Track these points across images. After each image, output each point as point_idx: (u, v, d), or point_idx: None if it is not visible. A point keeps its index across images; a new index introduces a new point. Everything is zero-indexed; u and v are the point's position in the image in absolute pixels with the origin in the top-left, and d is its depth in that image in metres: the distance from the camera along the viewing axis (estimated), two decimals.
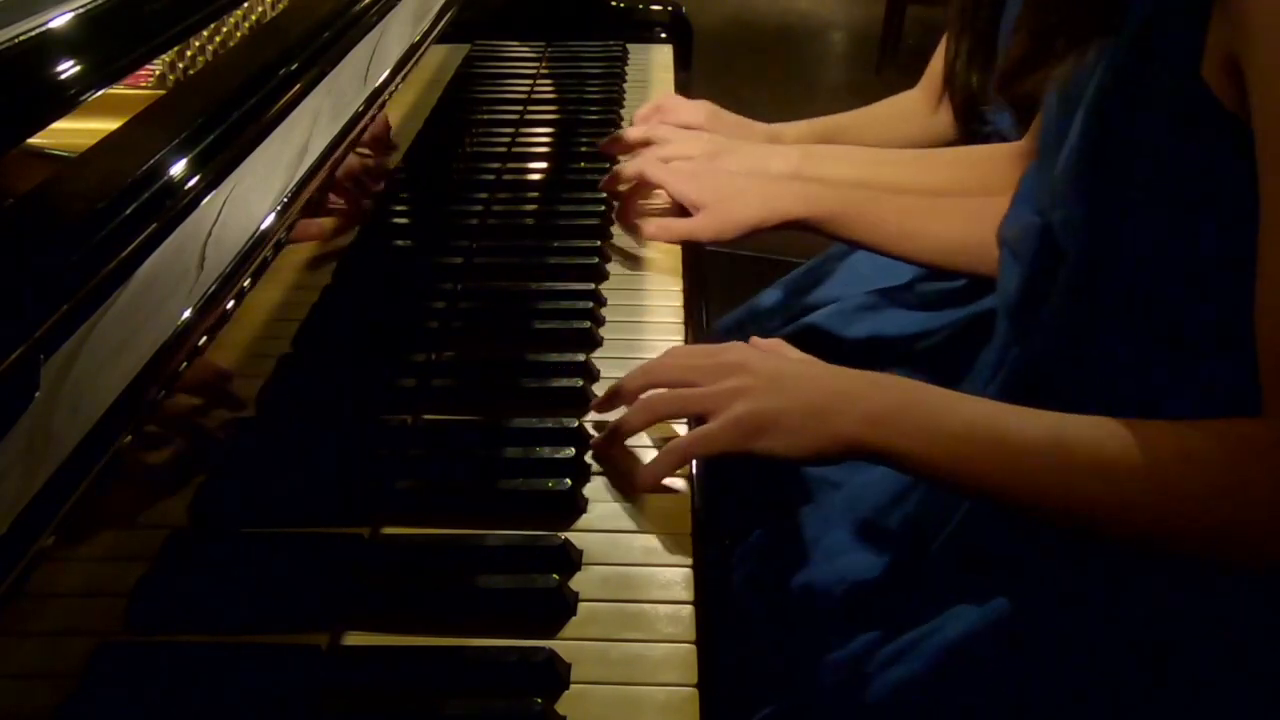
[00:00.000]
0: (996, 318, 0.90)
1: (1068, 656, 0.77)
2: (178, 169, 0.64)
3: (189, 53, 0.83)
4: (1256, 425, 0.66)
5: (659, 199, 1.22)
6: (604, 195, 1.21)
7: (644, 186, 1.20)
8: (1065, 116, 0.78)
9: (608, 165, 1.32)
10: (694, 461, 0.82)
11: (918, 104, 1.48)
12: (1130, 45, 0.71)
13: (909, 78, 1.52)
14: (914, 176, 1.19)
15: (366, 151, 1.04)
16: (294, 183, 0.78)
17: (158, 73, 0.80)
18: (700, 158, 1.22)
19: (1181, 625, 0.76)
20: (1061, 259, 0.76)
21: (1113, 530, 0.69)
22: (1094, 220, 0.73)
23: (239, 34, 0.90)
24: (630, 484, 0.78)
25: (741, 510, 1.10)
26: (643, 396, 0.81)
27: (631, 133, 1.29)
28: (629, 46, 1.73)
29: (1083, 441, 0.69)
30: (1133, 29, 0.71)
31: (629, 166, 1.18)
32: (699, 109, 1.40)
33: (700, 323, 1.04)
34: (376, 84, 0.99)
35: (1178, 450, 0.67)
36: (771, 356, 0.81)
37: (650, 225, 1.14)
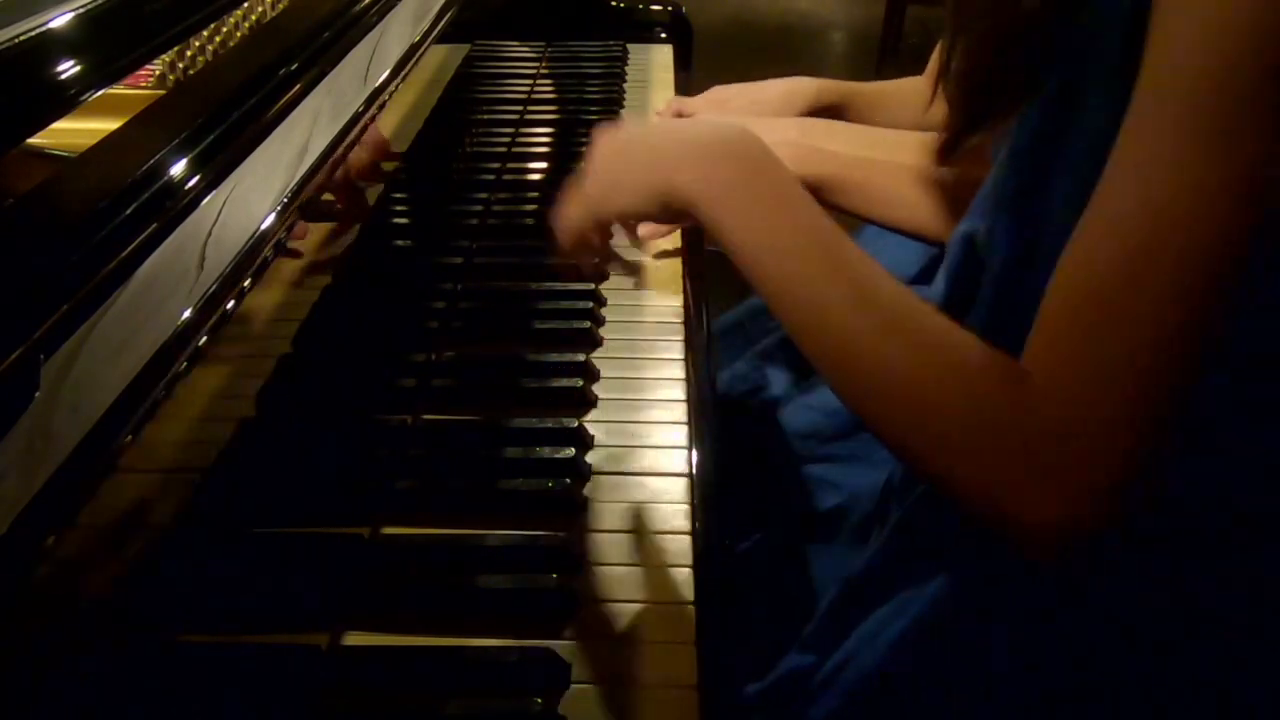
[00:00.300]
0: None
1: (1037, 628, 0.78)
2: (178, 169, 0.64)
3: (189, 53, 0.83)
4: (1007, 367, 0.63)
5: None
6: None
7: None
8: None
9: None
10: (694, 461, 0.82)
11: (921, 91, 1.48)
12: (1057, 91, 0.71)
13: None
14: (911, 160, 1.18)
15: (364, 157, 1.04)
16: (294, 183, 0.78)
17: (158, 73, 0.80)
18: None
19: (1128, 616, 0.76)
20: (984, 269, 0.76)
21: (880, 405, 0.66)
22: (1016, 232, 0.72)
23: (239, 34, 0.90)
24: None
25: (742, 511, 1.10)
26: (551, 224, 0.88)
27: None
28: (629, 46, 1.73)
29: (894, 295, 0.67)
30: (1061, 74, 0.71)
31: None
32: (707, 103, 1.41)
33: (700, 321, 1.04)
34: (376, 84, 0.99)
35: (959, 360, 0.64)
36: (649, 129, 0.84)
37: (648, 229, 1.13)
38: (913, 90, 1.48)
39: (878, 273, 0.69)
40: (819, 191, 1.10)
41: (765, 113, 1.37)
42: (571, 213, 0.87)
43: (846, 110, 1.43)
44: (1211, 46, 0.57)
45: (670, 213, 0.77)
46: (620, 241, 1.15)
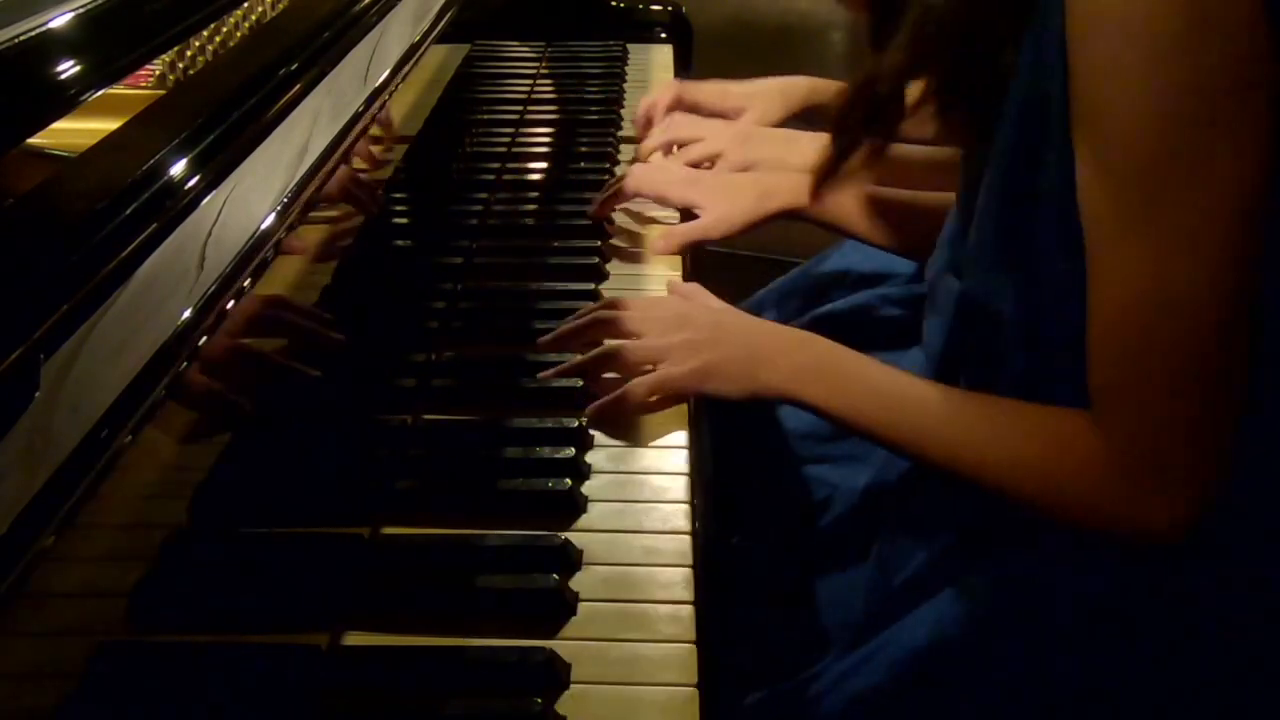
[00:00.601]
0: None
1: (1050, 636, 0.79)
2: (178, 169, 0.64)
3: (189, 53, 0.83)
4: (1081, 432, 0.75)
5: (654, 208, 1.20)
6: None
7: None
8: (968, 189, 0.83)
9: (608, 165, 1.33)
10: (694, 462, 0.82)
11: (911, 92, 1.48)
12: (1016, 132, 0.77)
13: None
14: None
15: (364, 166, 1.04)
16: (294, 183, 0.78)
17: (158, 73, 0.80)
18: (730, 150, 1.22)
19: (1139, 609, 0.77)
20: (994, 323, 0.81)
21: (995, 491, 0.80)
22: (1021, 288, 0.78)
23: (239, 34, 0.90)
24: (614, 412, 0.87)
25: (742, 511, 1.10)
26: (610, 344, 0.90)
27: (655, 139, 1.28)
28: (629, 46, 1.73)
29: (965, 411, 0.82)
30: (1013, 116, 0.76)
31: (626, 185, 1.16)
32: (708, 92, 1.40)
33: None
34: (376, 84, 0.99)
35: (1025, 429, 0.79)
36: (705, 310, 0.96)
37: (659, 241, 1.13)
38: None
39: (938, 394, 0.83)
40: (826, 221, 1.13)
41: (763, 104, 1.38)
42: (656, 387, 0.88)
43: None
44: (1136, 109, 0.66)
45: (759, 399, 0.89)
46: (621, 241, 1.15)
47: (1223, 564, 0.76)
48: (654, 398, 0.88)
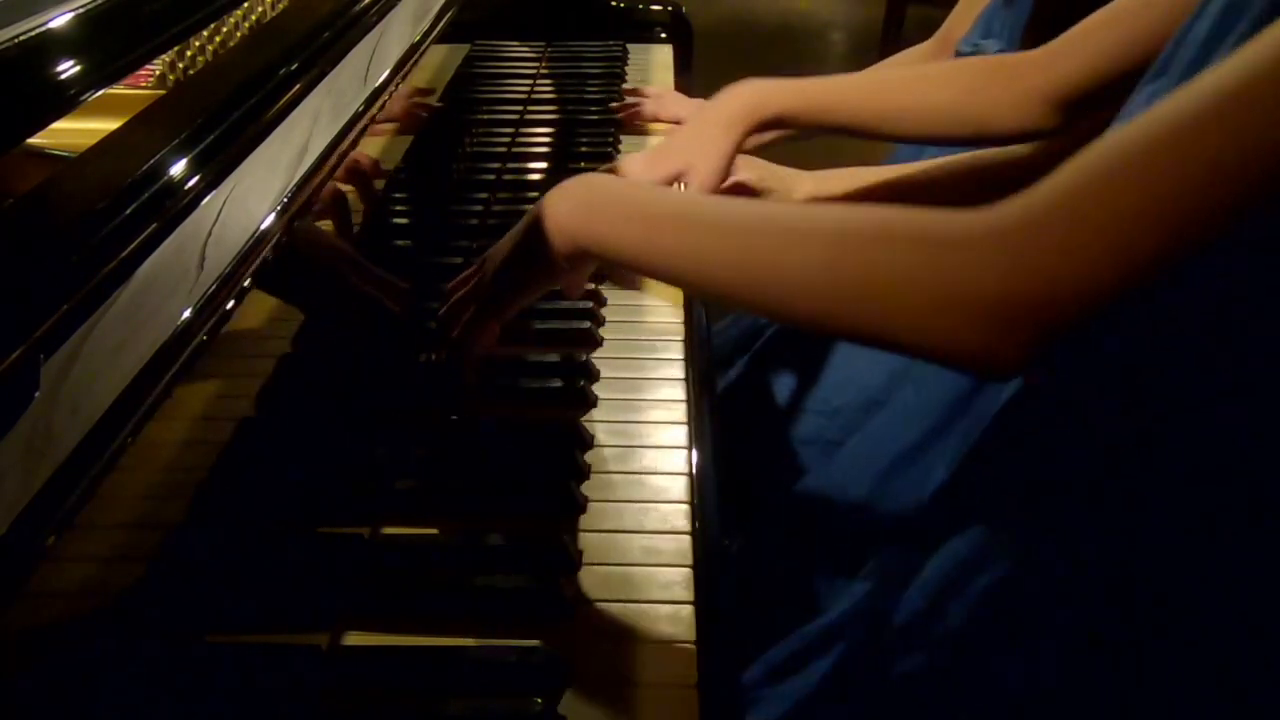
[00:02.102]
0: None
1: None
2: (178, 169, 0.64)
3: (189, 53, 0.83)
4: (981, 214, 0.63)
5: None
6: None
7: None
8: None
9: (608, 165, 1.33)
10: (694, 462, 0.82)
11: (925, 54, 1.51)
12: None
13: None
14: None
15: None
16: (294, 183, 0.78)
17: (158, 73, 0.80)
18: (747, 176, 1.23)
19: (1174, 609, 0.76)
20: None
21: (806, 312, 0.68)
22: None
23: (239, 34, 0.90)
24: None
25: (743, 511, 1.10)
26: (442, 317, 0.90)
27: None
28: (629, 46, 1.73)
29: (782, 215, 0.70)
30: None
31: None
32: (685, 102, 1.46)
33: (700, 321, 1.04)
34: (376, 84, 0.99)
35: (883, 229, 0.66)
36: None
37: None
38: (907, 63, 1.51)
39: (751, 206, 0.76)
40: (799, 122, 1.09)
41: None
42: (469, 319, 0.88)
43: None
44: None
45: (563, 255, 0.82)
46: None
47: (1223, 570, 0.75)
48: (483, 321, 0.88)
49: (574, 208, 0.81)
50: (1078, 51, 0.99)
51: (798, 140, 1.17)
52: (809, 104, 1.09)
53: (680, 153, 1.10)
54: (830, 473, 1.12)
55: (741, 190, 1.20)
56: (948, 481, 0.83)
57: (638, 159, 1.12)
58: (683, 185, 1.09)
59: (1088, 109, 1.00)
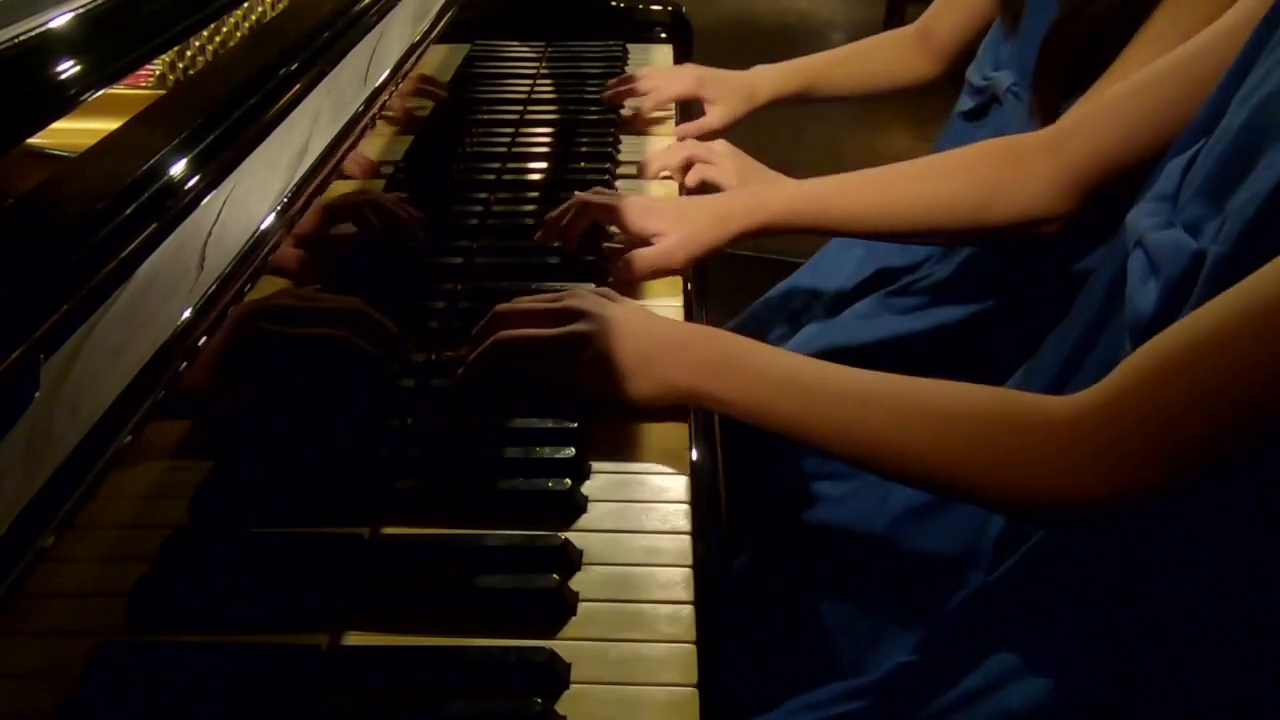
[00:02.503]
0: (1104, 330, 0.85)
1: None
2: (178, 169, 0.64)
3: (189, 53, 0.83)
4: (1061, 405, 0.71)
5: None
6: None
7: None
8: (1263, 132, 0.71)
9: (608, 165, 1.33)
10: (694, 462, 0.82)
11: (908, 43, 1.53)
12: None
13: None
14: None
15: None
16: (294, 183, 0.78)
17: (158, 73, 0.80)
18: (728, 183, 1.27)
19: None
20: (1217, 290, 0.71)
21: (915, 474, 0.76)
22: (1246, 235, 0.69)
23: (239, 34, 0.90)
24: None
25: (743, 512, 1.10)
26: (492, 338, 0.88)
27: (676, 152, 1.29)
28: (629, 46, 1.73)
29: (885, 393, 0.77)
30: None
31: (579, 201, 1.11)
32: (685, 78, 1.50)
33: (701, 321, 1.04)
34: (376, 84, 0.99)
35: (973, 410, 0.74)
36: (608, 303, 0.89)
37: (627, 270, 1.08)
38: (888, 46, 1.58)
39: (856, 378, 0.78)
40: (791, 227, 1.09)
41: (731, 98, 1.48)
42: (553, 381, 0.87)
43: (811, 90, 1.54)
44: None
45: (663, 401, 0.85)
46: (620, 241, 1.15)
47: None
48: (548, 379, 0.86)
49: (680, 365, 0.83)
50: (1093, 128, 0.96)
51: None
52: (813, 208, 1.09)
53: (668, 222, 1.08)
54: (834, 487, 1.13)
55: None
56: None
57: (634, 204, 1.11)
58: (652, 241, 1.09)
59: (1103, 190, 0.98)
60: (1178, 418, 0.66)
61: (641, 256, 1.07)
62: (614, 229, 1.12)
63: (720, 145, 1.33)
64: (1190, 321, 0.66)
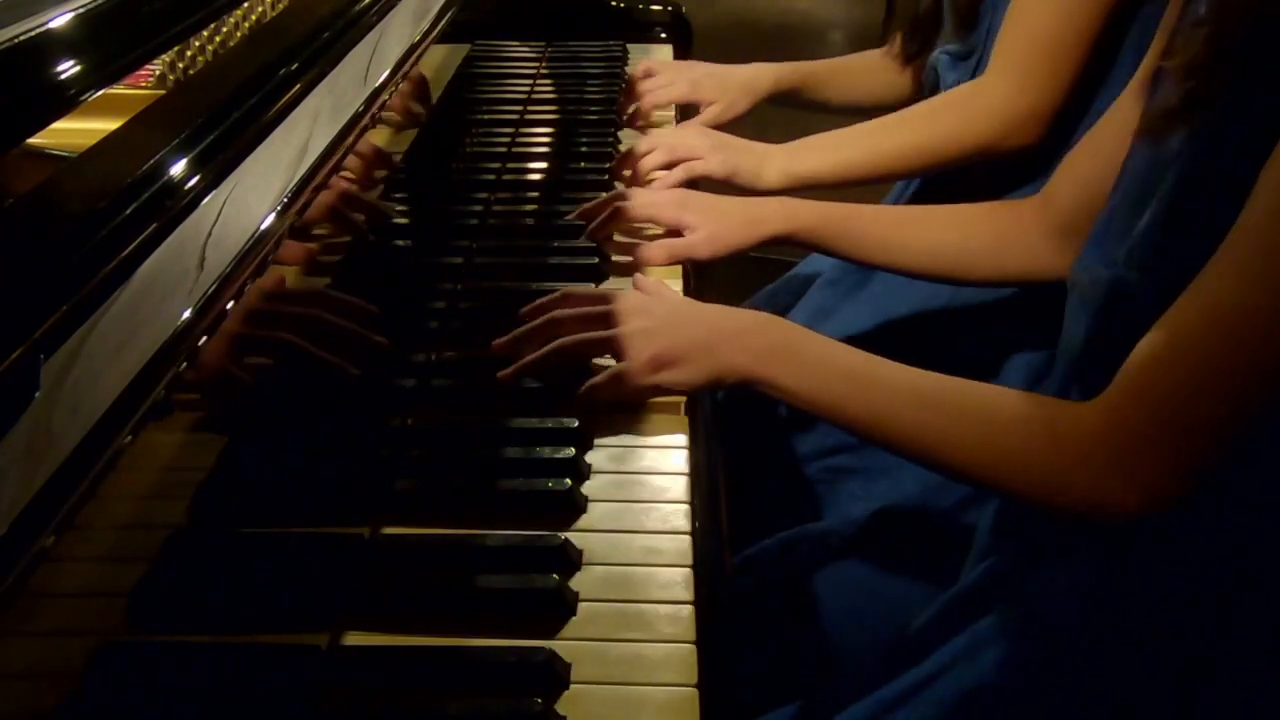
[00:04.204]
0: (1055, 360, 0.91)
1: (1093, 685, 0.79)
2: (178, 169, 0.64)
3: (189, 53, 0.83)
4: (1082, 414, 0.76)
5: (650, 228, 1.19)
6: (604, 195, 1.21)
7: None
8: (1152, 171, 0.80)
9: (608, 165, 1.33)
10: (694, 461, 0.82)
11: (885, 60, 1.54)
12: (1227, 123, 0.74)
13: None
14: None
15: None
16: (294, 183, 0.78)
17: (158, 73, 0.80)
18: (712, 165, 1.26)
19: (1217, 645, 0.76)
20: (1133, 312, 0.78)
21: (955, 470, 0.82)
22: (1172, 287, 0.75)
23: (239, 34, 0.90)
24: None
25: (744, 513, 1.10)
26: (555, 344, 0.88)
27: (653, 158, 1.29)
28: (629, 46, 1.73)
29: (934, 392, 0.82)
30: (1228, 108, 0.74)
31: (620, 212, 1.15)
32: (681, 85, 1.49)
33: None
34: (376, 84, 0.99)
35: (1012, 417, 0.80)
36: (661, 300, 0.95)
37: (649, 252, 1.11)
38: (869, 63, 1.56)
39: (908, 376, 0.83)
40: (809, 242, 1.13)
41: (730, 97, 1.48)
42: (619, 389, 0.87)
43: (803, 90, 1.54)
44: None
45: (721, 385, 0.88)
46: (620, 240, 1.15)
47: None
48: (614, 397, 0.86)
49: (743, 350, 0.86)
50: (1068, 184, 1.02)
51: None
52: (842, 229, 1.13)
53: (702, 216, 1.12)
54: (833, 488, 1.13)
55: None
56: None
57: (670, 199, 1.14)
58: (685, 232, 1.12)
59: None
60: (1172, 417, 0.72)
61: (666, 245, 1.11)
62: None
63: (696, 137, 1.31)
64: (1168, 325, 0.72)
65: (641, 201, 1.14)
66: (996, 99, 1.19)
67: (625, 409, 0.88)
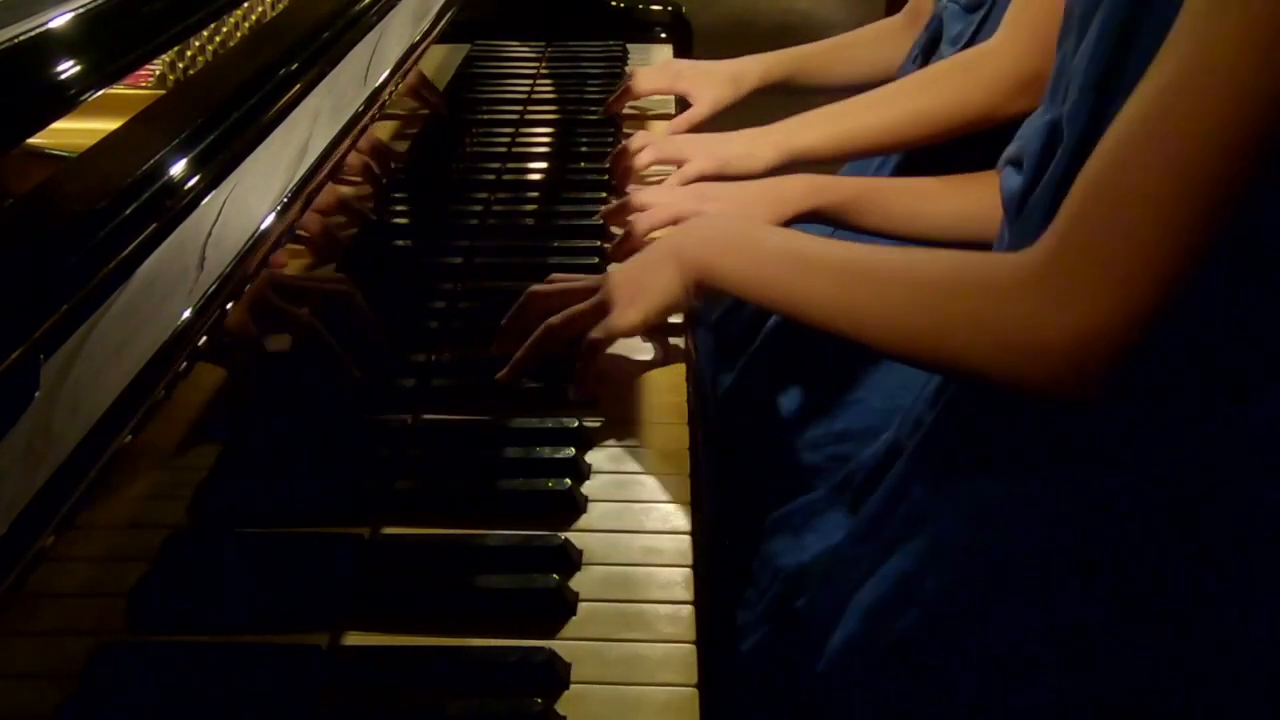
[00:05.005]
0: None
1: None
2: (178, 169, 0.64)
3: (189, 53, 0.83)
4: (1019, 257, 0.71)
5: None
6: (604, 195, 1.21)
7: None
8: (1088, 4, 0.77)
9: (607, 165, 1.33)
10: (694, 461, 0.82)
11: (896, 26, 1.55)
12: None
13: None
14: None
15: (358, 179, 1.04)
16: (294, 183, 0.78)
17: (158, 73, 0.80)
18: (703, 163, 1.25)
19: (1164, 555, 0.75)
20: (1068, 155, 0.76)
21: (895, 347, 0.79)
22: (1098, 108, 0.73)
23: (239, 34, 0.90)
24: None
25: (743, 509, 1.10)
26: (543, 326, 0.90)
27: (643, 157, 1.28)
28: (629, 46, 1.73)
29: (867, 262, 0.81)
30: None
31: (640, 225, 1.13)
32: (663, 73, 1.50)
33: (701, 320, 1.04)
34: (376, 84, 0.99)
35: (942, 272, 0.76)
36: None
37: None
38: (878, 32, 1.57)
39: (845, 251, 0.83)
40: (837, 216, 1.14)
41: (715, 91, 1.47)
42: (609, 334, 0.90)
43: (801, 75, 1.54)
44: None
45: (692, 288, 0.90)
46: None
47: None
48: (599, 351, 0.89)
49: (699, 241, 0.90)
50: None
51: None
52: (860, 198, 1.15)
53: (725, 208, 1.12)
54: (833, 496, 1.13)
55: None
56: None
57: (689, 193, 1.16)
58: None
59: None
60: (1104, 239, 0.67)
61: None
62: None
63: (679, 140, 1.31)
64: (1098, 150, 0.69)
65: (661, 202, 1.14)
66: (1008, 62, 1.18)
67: (625, 409, 0.88)
